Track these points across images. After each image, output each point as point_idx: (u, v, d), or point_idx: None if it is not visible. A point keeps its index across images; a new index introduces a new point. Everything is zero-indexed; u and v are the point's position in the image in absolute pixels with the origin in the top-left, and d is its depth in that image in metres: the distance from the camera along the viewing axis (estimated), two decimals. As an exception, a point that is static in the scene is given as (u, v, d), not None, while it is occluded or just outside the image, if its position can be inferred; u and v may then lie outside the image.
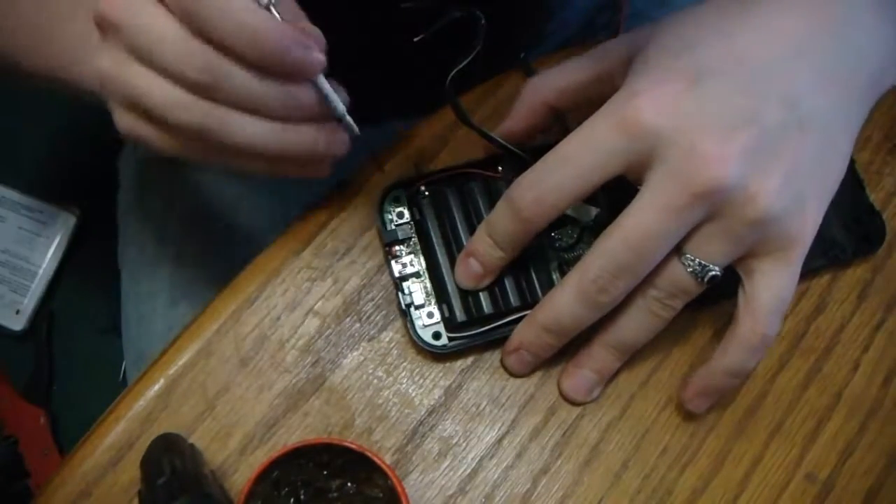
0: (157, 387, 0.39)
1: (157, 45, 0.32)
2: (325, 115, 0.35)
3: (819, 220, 0.35)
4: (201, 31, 0.31)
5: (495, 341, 0.40)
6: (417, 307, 0.40)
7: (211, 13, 0.31)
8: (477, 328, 0.40)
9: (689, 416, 0.41)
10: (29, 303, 0.98)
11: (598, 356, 0.39)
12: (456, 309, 0.40)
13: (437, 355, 0.40)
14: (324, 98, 0.35)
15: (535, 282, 0.40)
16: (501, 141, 0.40)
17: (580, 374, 0.40)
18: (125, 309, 0.61)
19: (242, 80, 0.32)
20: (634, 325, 0.37)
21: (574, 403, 0.40)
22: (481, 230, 0.38)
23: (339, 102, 0.35)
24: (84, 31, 0.35)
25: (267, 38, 0.32)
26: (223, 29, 0.31)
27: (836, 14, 0.35)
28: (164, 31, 0.32)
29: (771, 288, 0.35)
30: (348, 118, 0.36)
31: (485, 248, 0.38)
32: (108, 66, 0.33)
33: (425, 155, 0.43)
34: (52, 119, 1.02)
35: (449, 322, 0.40)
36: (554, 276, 0.40)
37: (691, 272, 0.35)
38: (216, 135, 0.33)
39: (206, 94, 0.33)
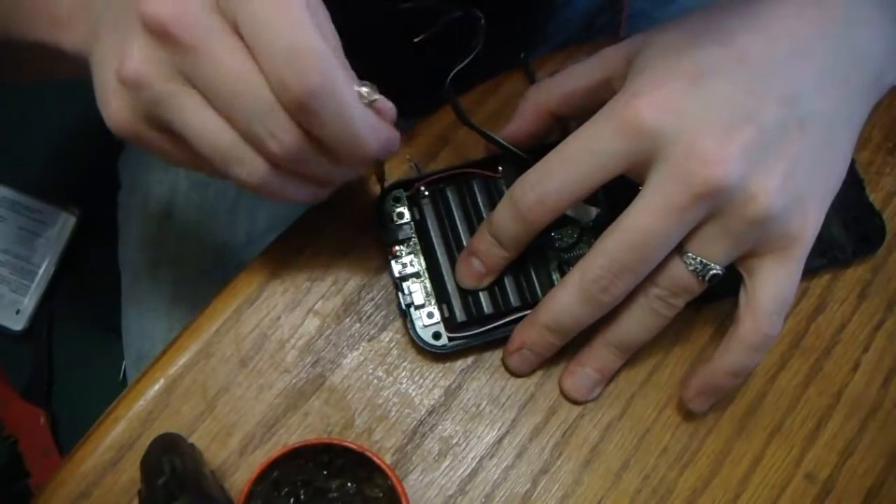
0: (157, 387, 0.39)
1: (241, 100, 0.29)
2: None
3: (821, 219, 0.35)
4: (308, 123, 0.29)
5: (495, 341, 0.40)
6: (417, 307, 0.40)
7: (327, 116, 0.29)
8: (477, 328, 0.40)
9: (689, 416, 0.41)
10: (29, 303, 0.97)
11: (600, 355, 0.39)
12: (456, 309, 0.40)
13: (437, 355, 0.40)
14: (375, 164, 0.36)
15: (535, 282, 0.40)
16: (502, 141, 0.40)
17: (581, 373, 0.40)
18: (125, 309, 0.61)
19: (322, 165, 0.31)
20: (636, 323, 0.37)
21: (575, 402, 0.40)
22: (483, 229, 0.38)
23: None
24: None
25: (369, 144, 0.31)
26: (335, 131, 0.30)
27: (837, 14, 0.35)
28: (250, 88, 0.29)
29: (772, 287, 0.35)
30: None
31: (487, 246, 0.38)
32: (151, 72, 0.29)
33: (425, 155, 0.43)
34: (52, 119, 1.02)
35: (449, 322, 0.40)
36: (554, 277, 0.40)
37: (693, 271, 0.35)
38: (262, 192, 0.32)
39: (274, 163, 0.31)
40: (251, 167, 0.31)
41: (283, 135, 0.29)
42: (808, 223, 0.34)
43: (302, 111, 0.29)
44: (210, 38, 0.28)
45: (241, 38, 0.29)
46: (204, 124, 0.30)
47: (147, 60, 0.29)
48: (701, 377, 0.39)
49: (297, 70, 0.28)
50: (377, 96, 0.32)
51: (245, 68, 0.29)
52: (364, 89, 0.31)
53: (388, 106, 0.33)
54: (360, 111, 0.30)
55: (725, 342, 0.37)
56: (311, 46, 0.28)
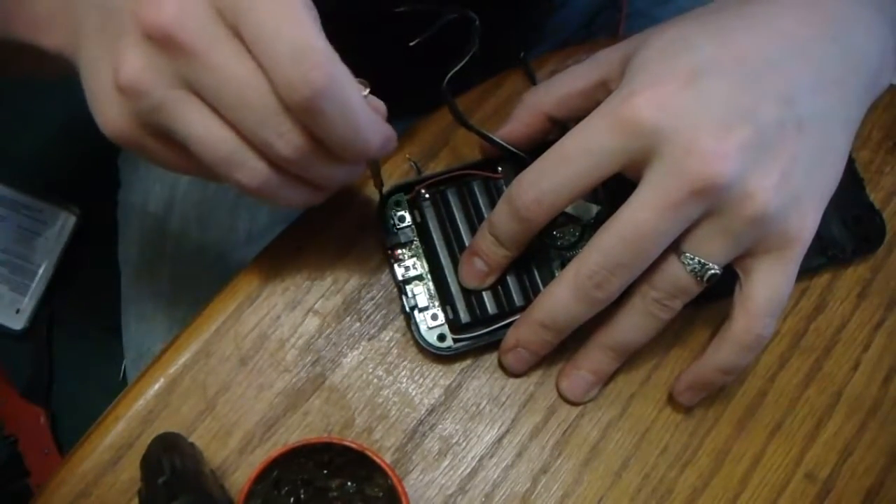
0: (157, 386, 0.39)
1: (246, 105, 0.29)
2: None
3: (818, 219, 0.35)
4: (314, 123, 0.29)
5: (500, 342, 0.40)
6: (421, 310, 0.40)
7: (334, 115, 0.29)
8: (481, 329, 0.40)
9: (689, 415, 0.41)
10: (29, 303, 0.97)
11: (596, 357, 0.39)
12: (460, 310, 0.39)
13: (442, 357, 0.40)
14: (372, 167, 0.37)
15: (538, 281, 0.40)
16: (501, 142, 0.40)
17: (577, 375, 0.40)
18: (125, 308, 0.61)
19: (324, 165, 0.31)
20: (632, 326, 0.37)
21: (572, 403, 0.40)
22: (484, 229, 0.38)
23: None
24: None
25: (373, 141, 0.31)
26: (340, 130, 0.29)
27: (834, 15, 0.35)
28: (255, 93, 0.29)
29: (768, 288, 0.35)
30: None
31: (488, 246, 0.38)
32: (151, 80, 0.29)
33: (425, 154, 0.43)
34: (52, 119, 1.02)
35: (453, 324, 0.40)
36: (556, 275, 0.40)
37: (691, 271, 0.35)
38: (259, 195, 0.32)
39: (275, 163, 0.31)
40: (253, 171, 0.31)
41: (291, 136, 0.29)
42: (806, 223, 0.34)
43: (309, 112, 0.29)
44: (213, 44, 0.28)
45: (244, 42, 0.29)
46: (207, 131, 0.30)
47: (146, 68, 0.29)
48: (692, 372, 0.39)
49: (303, 71, 0.28)
50: (367, 92, 0.32)
51: (249, 73, 0.29)
52: (362, 87, 0.32)
53: (381, 104, 0.33)
54: (364, 109, 0.30)
55: (718, 340, 0.37)
56: (315, 46, 0.28)
